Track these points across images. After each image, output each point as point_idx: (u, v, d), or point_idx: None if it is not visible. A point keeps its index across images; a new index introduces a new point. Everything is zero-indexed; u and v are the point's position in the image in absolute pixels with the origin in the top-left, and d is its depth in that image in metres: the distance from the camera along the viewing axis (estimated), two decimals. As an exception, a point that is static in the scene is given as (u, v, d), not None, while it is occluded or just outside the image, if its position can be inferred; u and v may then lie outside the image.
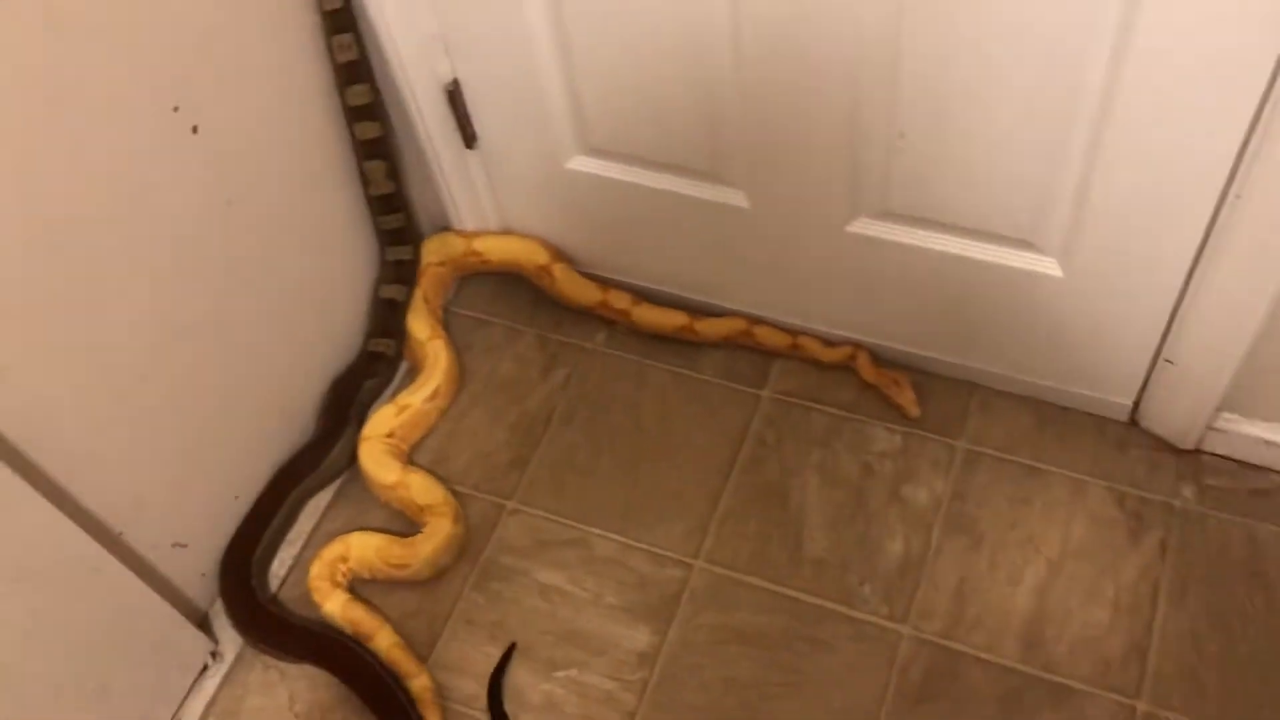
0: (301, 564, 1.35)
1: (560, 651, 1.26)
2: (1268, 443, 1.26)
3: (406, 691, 1.22)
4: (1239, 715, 1.15)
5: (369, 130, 1.31)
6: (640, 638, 1.26)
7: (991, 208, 1.16)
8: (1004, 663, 1.20)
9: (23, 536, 0.99)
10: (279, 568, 1.35)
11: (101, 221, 1.03)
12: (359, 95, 1.27)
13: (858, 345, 1.40)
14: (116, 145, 1.02)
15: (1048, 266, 1.19)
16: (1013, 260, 1.20)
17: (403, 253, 1.43)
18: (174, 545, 1.22)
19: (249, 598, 1.29)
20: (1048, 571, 1.25)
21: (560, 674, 1.24)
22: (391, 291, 1.43)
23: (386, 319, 1.44)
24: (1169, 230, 1.09)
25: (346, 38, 1.22)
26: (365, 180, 1.35)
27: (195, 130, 1.11)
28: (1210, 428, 1.27)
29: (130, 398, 1.12)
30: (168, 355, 1.15)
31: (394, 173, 1.36)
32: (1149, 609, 1.22)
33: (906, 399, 1.37)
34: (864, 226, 1.25)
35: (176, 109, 1.08)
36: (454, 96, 1.32)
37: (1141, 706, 1.16)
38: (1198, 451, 1.31)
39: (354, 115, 1.29)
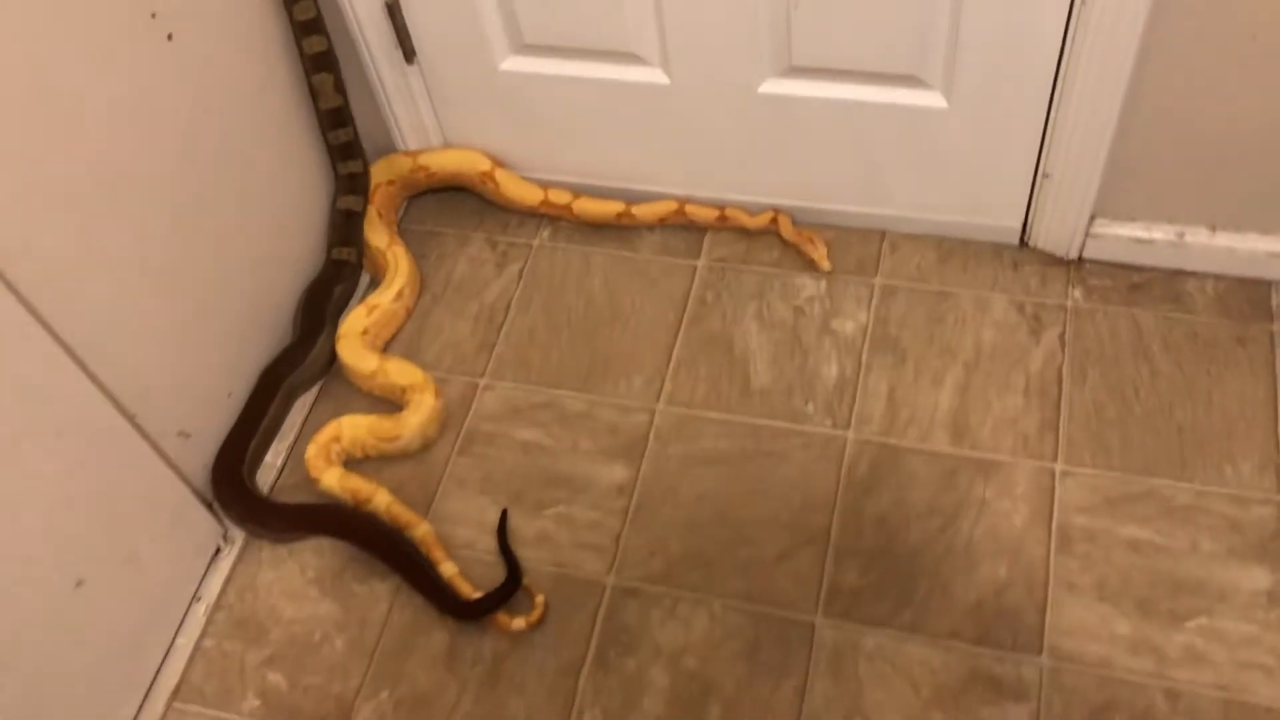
0: (295, 456, 1.45)
1: (546, 493, 1.39)
2: (1137, 240, 1.45)
3: (410, 540, 1.33)
4: (1139, 462, 1.33)
5: (316, 44, 1.42)
6: (616, 473, 1.40)
7: (881, 49, 1.33)
8: (937, 449, 1.37)
9: (60, 397, 1.10)
10: (274, 459, 1.45)
11: (100, 123, 1.14)
12: (306, 10, 1.39)
13: (778, 210, 1.56)
14: (103, 46, 1.13)
15: (934, 99, 1.37)
16: (903, 98, 1.38)
17: (354, 166, 1.54)
18: (179, 434, 1.32)
19: (244, 490, 1.38)
20: (965, 373, 1.43)
21: (549, 512, 1.37)
22: (348, 202, 1.55)
23: (346, 229, 1.55)
24: (1031, 49, 1.27)
25: None
26: (315, 94, 1.47)
27: (170, 38, 1.22)
28: (1089, 235, 1.46)
29: (130, 288, 1.22)
30: (161, 251, 1.26)
31: (341, 86, 1.47)
32: (1055, 390, 1.40)
33: (820, 254, 1.53)
34: (773, 86, 1.41)
35: (154, 15, 1.19)
36: (393, 11, 1.45)
37: (1059, 467, 1.34)
38: (1080, 260, 1.50)
39: (302, 30, 1.40)
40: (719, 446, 1.40)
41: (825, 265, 1.52)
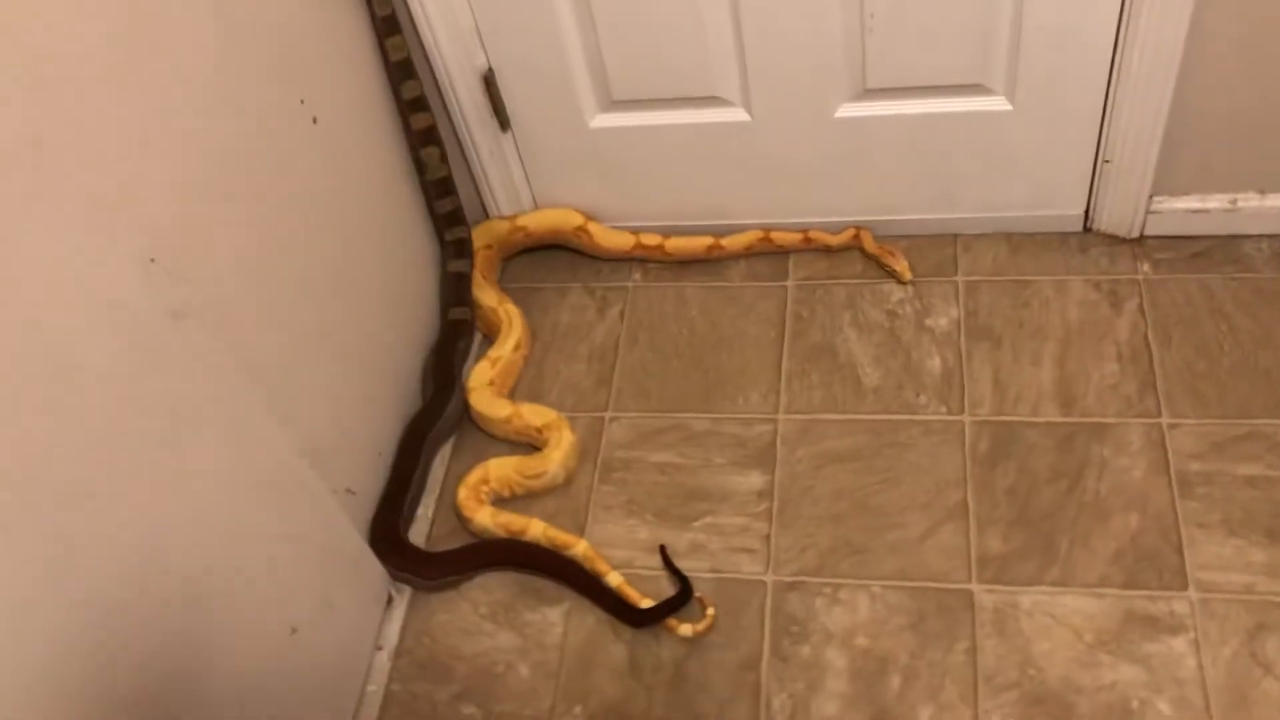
0: (443, 506, 1.53)
1: (690, 508, 1.47)
2: (1194, 211, 1.58)
3: (572, 559, 1.41)
4: (1235, 408, 1.44)
5: (423, 120, 1.54)
6: (753, 480, 1.48)
7: (948, 62, 1.46)
8: (1050, 420, 1.47)
9: (269, 456, 1.18)
10: (424, 510, 1.53)
11: (274, 200, 1.24)
12: (413, 89, 1.51)
13: (858, 226, 1.68)
14: (255, 122, 1.23)
15: (999, 104, 1.50)
16: (971, 105, 1.51)
17: (460, 232, 1.65)
18: (347, 490, 1.40)
19: (404, 545, 1.45)
20: (1059, 349, 1.54)
21: (697, 524, 1.46)
22: (458, 266, 1.65)
23: (459, 290, 1.65)
24: (1087, 45, 1.41)
25: (398, 39, 1.46)
26: (422, 166, 1.58)
27: (315, 121, 1.33)
28: (1149, 212, 1.59)
29: (299, 353, 1.31)
30: (317, 317, 1.35)
31: (445, 157, 1.59)
32: (1146, 354, 1.51)
33: (902, 265, 1.65)
34: (849, 110, 1.54)
35: (302, 101, 1.30)
36: (489, 83, 1.57)
37: (1165, 421, 1.44)
38: (1143, 237, 1.63)
39: (410, 107, 1.52)
40: (844, 444, 1.50)
41: (907, 275, 1.63)
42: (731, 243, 1.70)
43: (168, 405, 1.00)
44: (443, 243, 1.67)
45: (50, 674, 0.88)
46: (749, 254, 1.72)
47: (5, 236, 0.83)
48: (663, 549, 1.42)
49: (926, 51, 1.45)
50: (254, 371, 1.17)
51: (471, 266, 1.67)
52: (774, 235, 1.69)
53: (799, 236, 1.69)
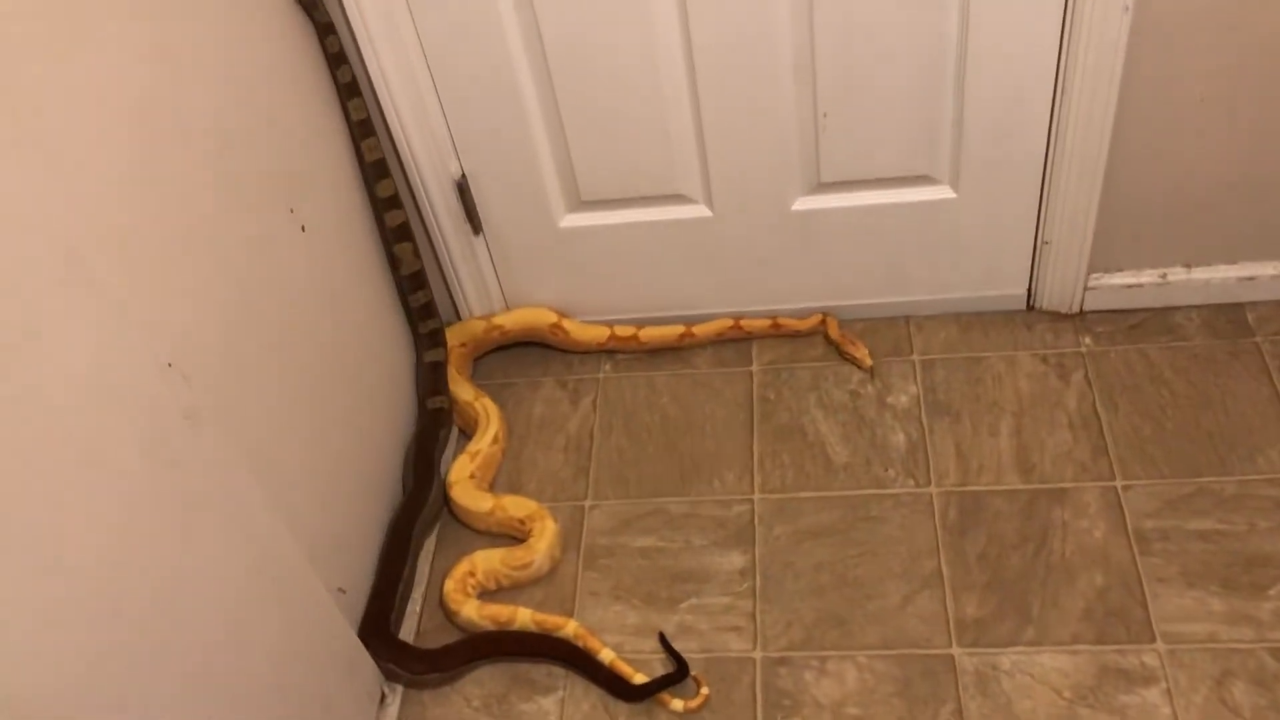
0: (429, 600, 1.55)
1: (675, 590, 1.51)
2: (1128, 286, 1.69)
3: (564, 639, 1.44)
4: (1182, 468, 1.53)
5: (397, 217, 1.58)
6: (735, 560, 1.53)
7: (896, 156, 1.57)
8: (1012, 488, 1.55)
9: (275, 554, 1.20)
10: (413, 606, 1.54)
11: (269, 305, 1.28)
12: (387, 187, 1.56)
13: (825, 313, 1.77)
14: (258, 231, 1.28)
15: (944, 193, 1.61)
16: (919, 195, 1.61)
17: (434, 324, 1.69)
18: (339, 590, 1.41)
19: (396, 644, 1.46)
20: (1015, 420, 1.62)
21: (683, 605, 1.49)
22: (434, 355, 1.69)
23: (435, 379, 1.69)
24: (1024, 136, 1.52)
25: (373, 140, 1.52)
26: (396, 262, 1.62)
27: (303, 229, 1.38)
28: (1087, 288, 1.70)
29: (293, 453, 1.33)
30: (308, 416, 1.38)
31: (418, 252, 1.63)
32: (1095, 422, 1.60)
33: (862, 353, 1.73)
34: (804, 203, 1.63)
35: (292, 210, 1.35)
36: (463, 189, 1.64)
37: (1119, 483, 1.53)
38: (1083, 312, 1.73)
39: (384, 205, 1.56)
40: (820, 520, 1.55)
41: (867, 362, 1.71)
42: (703, 330, 1.77)
43: (181, 501, 1.03)
44: (417, 335, 1.70)
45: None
46: (720, 340, 1.79)
47: (39, 337, 0.86)
48: (661, 635, 1.45)
49: (876, 147, 1.55)
50: (258, 470, 1.19)
51: (446, 355, 1.71)
52: (744, 322, 1.77)
53: (768, 323, 1.77)
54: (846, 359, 1.74)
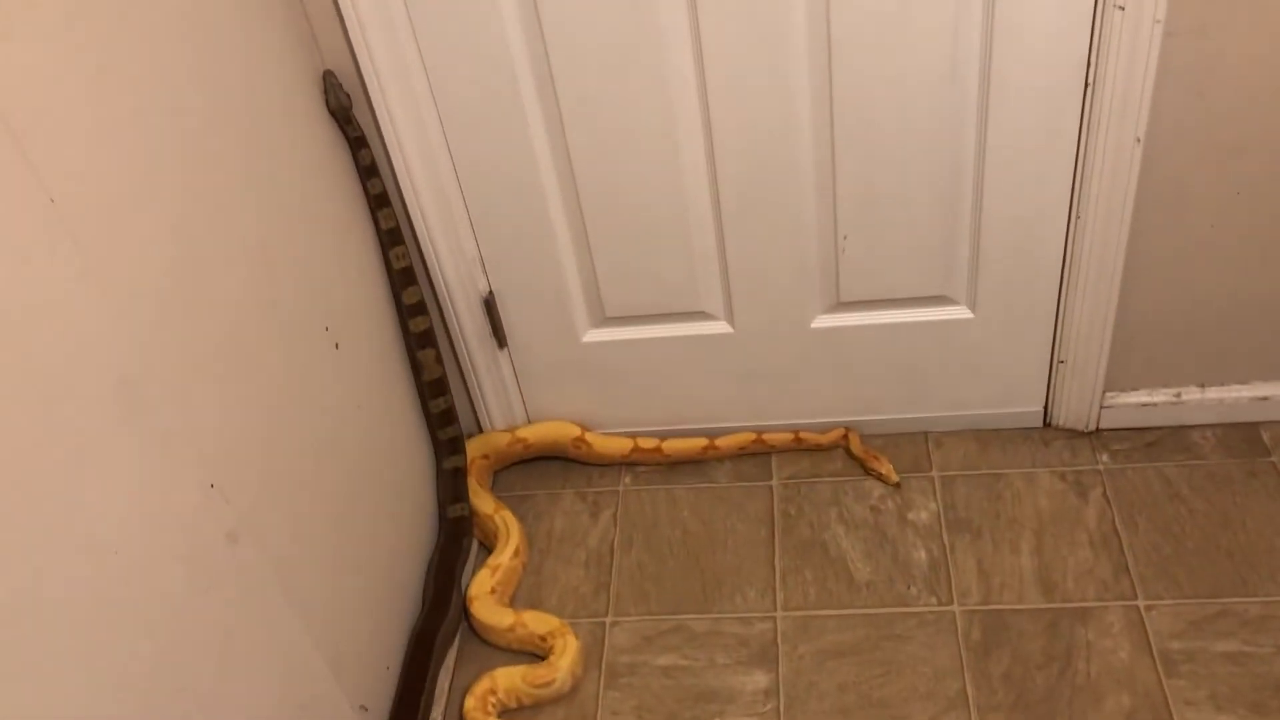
0: (449, 717, 1.53)
1: (699, 710, 1.50)
2: (1143, 405, 1.72)
3: (592, 769, 1.42)
4: (1205, 588, 1.53)
5: (421, 323, 1.60)
6: (759, 679, 1.52)
7: (915, 278, 1.60)
8: (1035, 606, 1.54)
9: (308, 678, 1.19)
10: (433, 724, 1.53)
11: (288, 420, 1.30)
12: (413, 295, 1.58)
13: (847, 427, 1.79)
14: (296, 351, 1.31)
15: (961, 313, 1.64)
16: (936, 315, 1.64)
17: (454, 430, 1.70)
18: (361, 707, 1.40)
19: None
20: (1035, 537, 1.63)
21: (707, 725, 1.48)
22: (454, 462, 1.70)
23: (456, 486, 1.70)
24: (1040, 258, 1.56)
25: (402, 249, 1.55)
26: (418, 368, 1.63)
27: (337, 347, 1.40)
28: (1103, 407, 1.72)
29: (320, 568, 1.34)
30: (335, 533, 1.39)
31: (440, 359, 1.65)
32: (1115, 540, 1.61)
33: (887, 469, 1.74)
34: (823, 321, 1.67)
35: (327, 329, 1.38)
36: (490, 305, 1.67)
37: (1142, 603, 1.53)
38: (1099, 430, 1.75)
39: (410, 312, 1.58)
40: (844, 638, 1.55)
41: (894, 477, 1.73)
42: (726, 443, 1.79)
43: (222, 623, 1.03)
44: (437, 441, 1.71)
45: None
46: (743, 454, 1.81)
47: (93, 463, 0.87)
48: None
49: (894, 268, 1.59)
50: (287, 590, 1.20)
51: (466, 462, 1.72)
52: (766, 436, 1.78)
53: (790, 437, 1.78)
54: (871, 474, 1.75)
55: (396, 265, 1.55)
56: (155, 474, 0.95)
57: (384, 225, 1.53)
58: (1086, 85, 1.38)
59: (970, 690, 1.47)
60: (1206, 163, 1.45)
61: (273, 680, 1.12)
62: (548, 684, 1.52)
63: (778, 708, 1.49)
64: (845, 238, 1.56)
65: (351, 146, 1.48)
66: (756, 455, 1.81)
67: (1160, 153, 1.44)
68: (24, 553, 0.80)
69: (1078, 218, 1.51)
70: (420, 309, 1.60)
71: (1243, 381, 1.70)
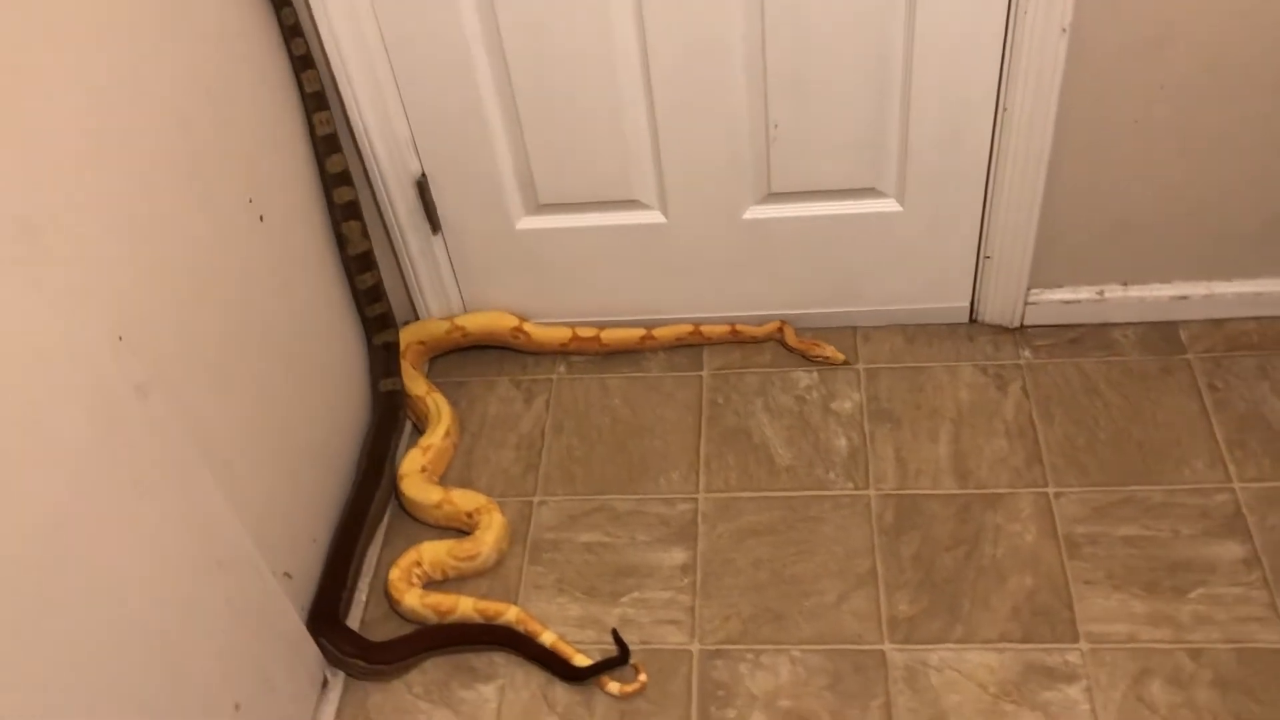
0: (375, 591, 1.57)
1: (618, 583, 1.54)
2: (1066, 302, 1.75)
3: (507, 626, 1.47)
4: (1114, 476, 1.58)
5: (346, 194, 1.58)
6: (677, 556, 1.57)
7: (844, 169, 1.62)
8: (948, 492, 1.59)
9: (221, 534, 1.22)
10: (359, 595, 1.57)
11: (207, 284, 1.31)
12: (337, 163, 1.56)
13: (781, 321, 1.81)
14: (218, 219, 1.31)
15: (890, 205, 1.66)
16: (866, 208, 1.66)
17: (382, 307, 1.70)
18: (284, 574, 1.44)
19: (345, 632, 1.48)
20: (953, 428, 1.67)
21: (625, 599, 1.53)
22: (384, 337, 1.71)
23: (388, 362, 1.72)
24: (968, 152, 1.58)
25: (325, 114, 1.53)
26: (343, 241, 1.61)
27: (261, 219, 1.41)
28: (1027, 304, 1.75)
29: (243, 434, 1.36)
30: (257, 400, 1.41)
31: (366, 232, 1.63)
32: (1030, 431, 1.65)
33: (830, 350, 1.77)
34: (755, 212, 1.68)
35: (250, 200, 1.38)
36: (422, 188, 1.68)
37: (1051, 490, 1.58)
38: (1023, 327, 1.79)
39: (334, 181, 1.57)
40: (761, 519, 1.59)
41: (840, 357, 1.76)
42: (663, 334, 1.81)
43: (130, 476, 1.06)
44: (365, 319, 1.71)
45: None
46: (679, 345, 1.83)
47: (-8, 309, 0.89)
48: (615, 632, 1.48)
49: (824, 158, 1.61)
50: (206, 448, 1.22)
51: (397, 337, 1.73)
52: (704, 329, 1.81)
53: (727, 329, 1.81)
54: (816, 361, 1.78)
55: (320, 132, 1.53)
56: (57, 320, 0.97)
57: (308, 89, 1.51)
58: (1013, -27, 1.39)
59: (880, 569, 1.52)
60: (1130, 55, 1.47)
61: (183, 533, 1.15)
62: (472, 557, 1.56)
63: (694, 582, 1.53)
64: (776, 126, 1.57)
65: (274, 4, 1.45)
66: (692, 347, 1.84)
67: (1085, 45, 1.45)
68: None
69: (1004, 110, 1.52)
70: (345, 179, 1.58)
71: (1164, 280, 1.73)
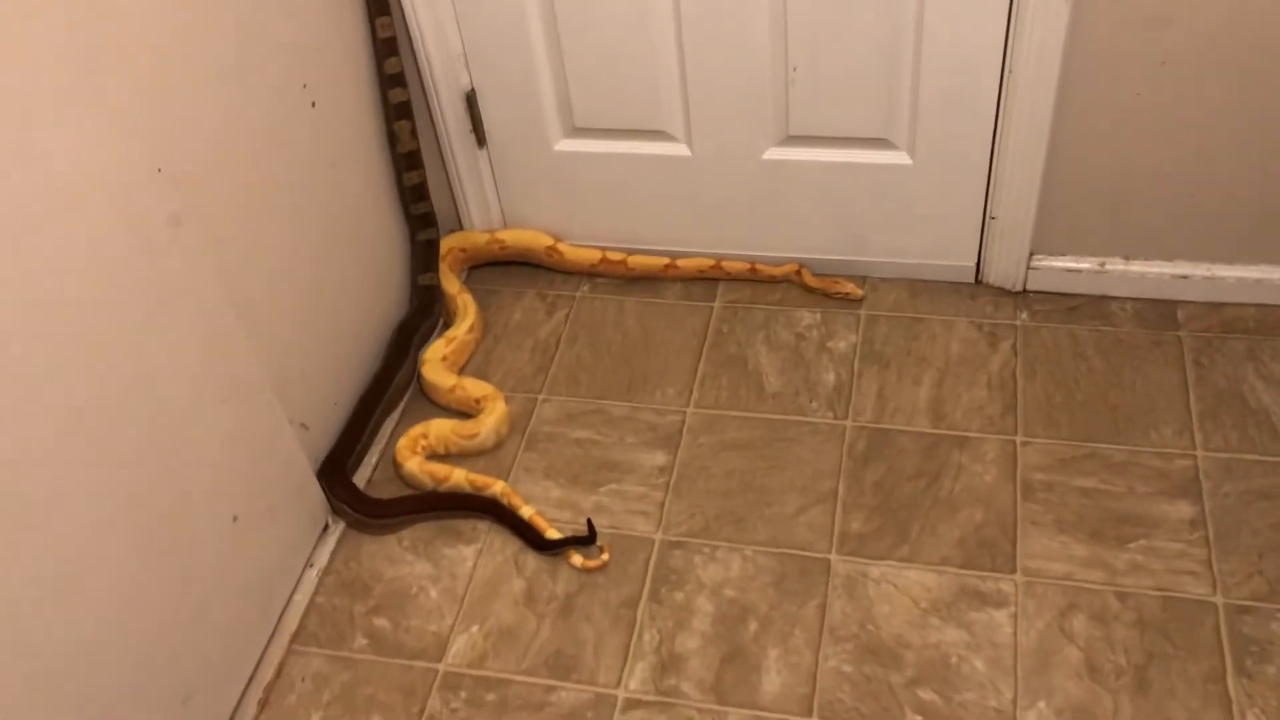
0: (385, 459, 1.74)
1: (600, 475, 1.68)
2: (1068, 270, 1.81)
3: (492, 497, 1.62)
4: (1082, 433, 1.64)
5: (400, 95, 1.74)
6: (658, 458, 1.69)
7: (858, 116, 1.72)
8: (920, 430, 1.68)
9: (237, 368, 1.39)
10: (370, 459, 1.73)
11: (247, 139, 1.48)
12: (394, 65, 1.72)
13: (800, 262, 1.92)
14: (273, 104, 1.49)
15: (901, 158, 1.75)
16: (879, 158, 1.76)
17: (426, 206, 1.86)
18: (301, 424, 1.61)
19: (349, 485, 1.66)
20: (939, 374, 1.75)
21: (603, 489, 1.66)
22: (426, 235, 1.88)
23: (428, 257, 1.88)
24: (975, 110, 1.66)
25: (387, 19, 1.68)
26: (394, 139, 1.77)
27: (314, 105, 1.58)
28: (1030, 269, 1.82)
29: (279, 290, 1.53)
30: (303, 262, 1.58)
31: (415, 132, 1.79)
32: (1012, 385, 1.73)
33: (849, 287, 1.87)
34: (774, 153, 1.79)
35: (305, 85, 1.56)
36: (471, 100, 1.83)
37: (1019, 439, 1.65)
38: (1025, 291, 1.86)
39: (390, 82, 1.72)
40: (741, 435, 1.71)
41: (858, 293, 1.86)
42: (686, 264, 1.94)
43: (158, 292, 1.23)
44: (409, 215, 1.87)
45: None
46: (701, 277, 1.95)
47: (48, 128, 1.06)
48: (589, 521, 1.61)
49: (839, 105, 1.71)
50: (234, 288, 1.39)
51: (438, 235, 1.90)
52: (725, 264, 1.93)
53: (747, 266, 1.92)
54: (835, 297, 1.87)
55: (381, 35, 1.70)
56: (103, 145, 1.14)
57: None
58: (1019, -63, 1.47)
59: (841, 490, 1.62)
60: (1133, 30, 1.53)
61: (200, 353, 1.32)
62: (472, 436, 1.71)
63: (669, 482, 1.66)
64: (795, 69, 1.68)
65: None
66: (710, 281, 1.96)
67: (1089, 17, 1.52)
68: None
69: (1010, 71, 1.60)
70: (400, 80, 1.74)
71: (1166, 258, 1.78)
